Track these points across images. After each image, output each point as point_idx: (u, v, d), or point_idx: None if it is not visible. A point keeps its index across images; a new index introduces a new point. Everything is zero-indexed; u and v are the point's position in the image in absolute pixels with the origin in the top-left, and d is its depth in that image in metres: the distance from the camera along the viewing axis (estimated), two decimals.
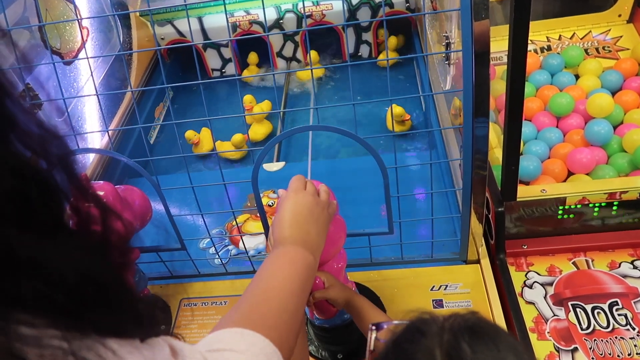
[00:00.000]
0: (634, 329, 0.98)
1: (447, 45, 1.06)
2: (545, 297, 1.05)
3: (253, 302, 0.61)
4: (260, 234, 1.31)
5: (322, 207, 0.76)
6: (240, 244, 1.33)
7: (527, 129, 1.37)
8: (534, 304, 1.05)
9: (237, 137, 1.72)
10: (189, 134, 1.74)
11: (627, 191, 1.07)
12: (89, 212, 0.41)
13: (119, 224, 0.44)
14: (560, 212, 1.10)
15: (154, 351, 0.42)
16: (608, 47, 1.60)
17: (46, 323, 0.34)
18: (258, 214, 1.38)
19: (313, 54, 2.03)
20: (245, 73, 2.12)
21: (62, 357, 0.34)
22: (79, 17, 1.53)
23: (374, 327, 0.62)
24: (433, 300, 1.09)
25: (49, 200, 0.37)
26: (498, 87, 1.47)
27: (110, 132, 1.14)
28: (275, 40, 2.05)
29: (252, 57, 2.13)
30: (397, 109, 1.67)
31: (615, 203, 1.08)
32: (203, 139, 1.76)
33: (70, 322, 0.35)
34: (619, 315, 1.00)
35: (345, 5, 1.92)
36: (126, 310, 0.41)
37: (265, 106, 1.85)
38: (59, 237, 0.37)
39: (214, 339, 0.53)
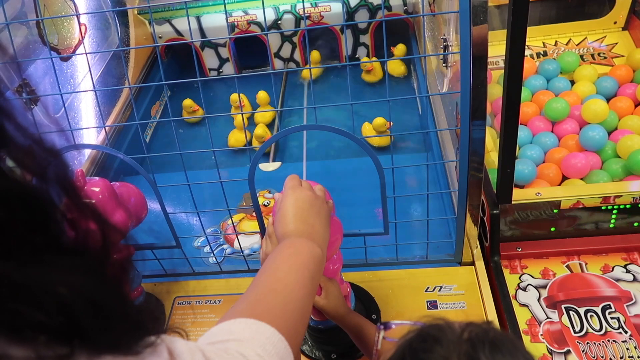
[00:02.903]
0: (626, 332, 0.98)
1: (445, 48, 1.07)
2: (538, 300, 1.06)
3: (259, 293, 0.58)
4: (256, 232, 1.31)
5: (322, 200, 0.75)
6: (235, 243, 1.33)
7: (522, 133, 1.38)
8: (527, 306, 1.05)
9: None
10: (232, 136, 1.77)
11: (620, 195, 1.08)
12: (88, 228, 0.40)
13: (119, 236, 0.43)
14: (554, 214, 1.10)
15: None
16: (603, 53, 1.61)
17: (37, 346, 0.32)
18: (253, 214, 1.38)
19: (314, 54, 2.03)
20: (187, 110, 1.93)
21: None
22: (77, 13, 1.53)
23: (381, 327, 0.61)
24: (427, 302, 1.09)
25: (42, 221, 0.35)
26: (494, 91, 1.47)
27: (106, 129, 1.14)
28: (273, 41, 2.06)
29: (188, 102, 1.91)
30: (379, 120, 1.59)
31: (609, 207, 1.09)
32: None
33: (65, 342, 0.34)
34: (611, 318, 1.01)
35: (343, 7, 1.93)
36: (123, 325, 0.39)
37: (261, 95, 1.86)
38: (54, 257, 0.35)
39: (217, 331, 0.52)
